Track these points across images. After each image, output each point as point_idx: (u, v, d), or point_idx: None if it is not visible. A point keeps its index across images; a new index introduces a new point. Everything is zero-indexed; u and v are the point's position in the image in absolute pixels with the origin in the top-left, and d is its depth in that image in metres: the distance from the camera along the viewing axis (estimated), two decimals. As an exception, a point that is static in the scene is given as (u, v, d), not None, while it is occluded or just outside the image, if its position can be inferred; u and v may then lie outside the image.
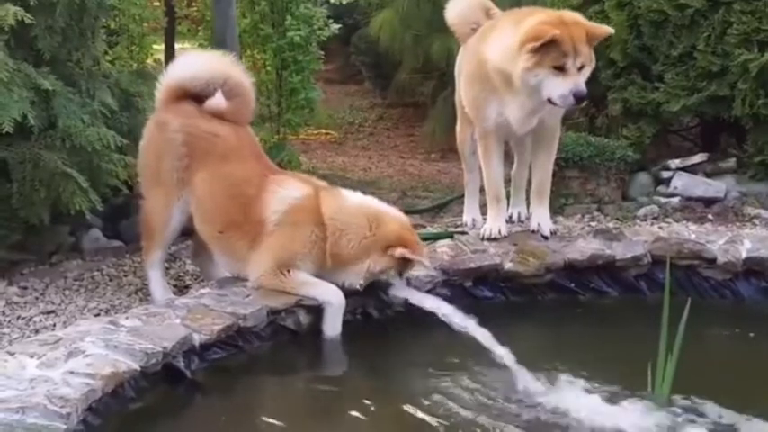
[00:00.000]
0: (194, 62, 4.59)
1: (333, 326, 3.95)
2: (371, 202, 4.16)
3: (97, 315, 4.34)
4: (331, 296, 3.94)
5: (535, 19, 4.36)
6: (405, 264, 4.00)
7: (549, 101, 4.37)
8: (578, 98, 4.32)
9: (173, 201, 4.33)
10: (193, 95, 4.39)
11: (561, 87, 4.29)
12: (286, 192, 4.08)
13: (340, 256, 3.97)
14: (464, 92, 4.92)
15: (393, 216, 4.10)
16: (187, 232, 4.58)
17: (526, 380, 3.50)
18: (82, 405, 2.96)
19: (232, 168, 4.22)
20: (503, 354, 3.62)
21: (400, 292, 4.07)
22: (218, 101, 4.34)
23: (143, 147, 4.48)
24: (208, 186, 4.24)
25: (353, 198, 4.15)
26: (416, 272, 4.24)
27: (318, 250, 4.00)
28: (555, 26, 4.25)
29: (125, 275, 4.95)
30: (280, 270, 3.96)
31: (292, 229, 4.02)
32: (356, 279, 3.99)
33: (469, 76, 4.82)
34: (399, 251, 3.92)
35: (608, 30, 4.48)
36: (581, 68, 4.31)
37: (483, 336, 3.73)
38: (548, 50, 4.24)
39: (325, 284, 3.97)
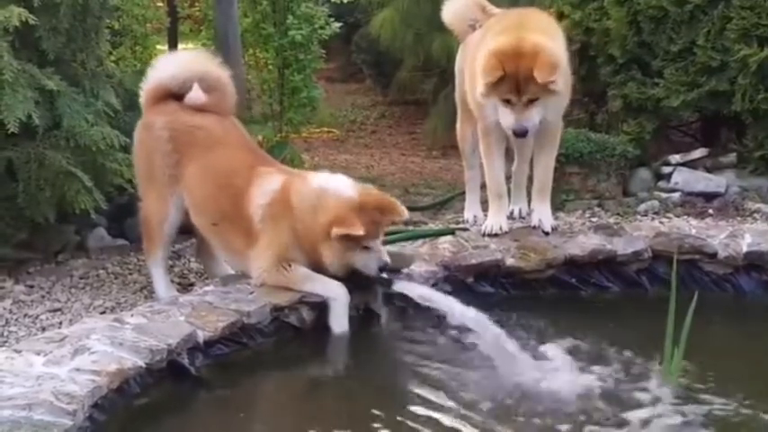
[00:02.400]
0: (171, 63, 4.67)
1: (339, 321, 3.96)
2: (327, 184, 4.04)
3: (103, 313, 4.37)
4: (335, 291, 3.96)
5: (494, 44, 4.43)
6: (349, 240, 3.89)
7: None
8: (517, 134, 4.54)
9: (167, 198, 4.39)
10: (175, 95, 4.45)
11: (507, 119, 4.49)
12: (268, 185, 4.11)
13: (311, 245, 3.97)
14: (470, 88, 4.94)
15: (335, 194, 3.96)
16: (190, 230, 4.61)
17: (529, 368, 3.55)
18: (88, 402, 2.99)
19: (218, 158, 4.28)
20: (513, 349, 3.68)
21: (402, 287, 4.09)
22: (196, 95, 4.40)
23: (134, 150, 4.56)
24: (197, 178, 4.30)
25: (314, 181, 4.06)
26: (418, 268, 4.27)
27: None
28: (507, 59, 4.34)
29: (130, 273, 4.98)
30: (281, 265, 3.99)
31: (276, 223, 4.04)
32: (329, 268, 3.96)
33: (474, 75, 4.84)
34: (334, 231, 3.85)
35: (546, 76, 4.35)
36: (532, 101, 4.41)
37: (494, 335, 3.78)
38: (498, 84, 4.40)
39: (328, 280, 3.98)
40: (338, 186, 4.02)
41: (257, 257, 4.05)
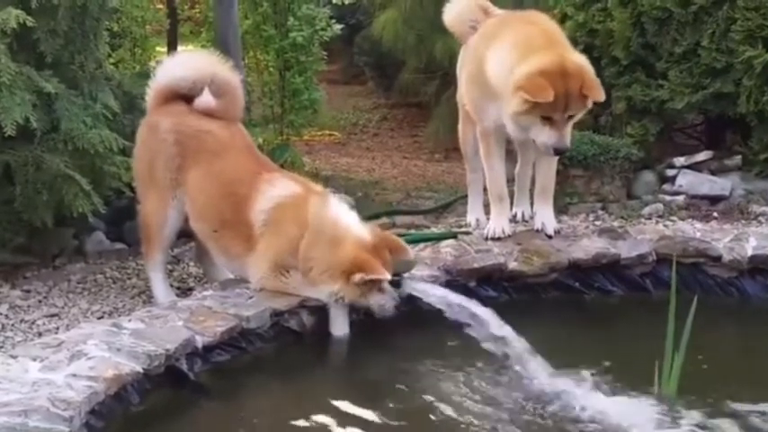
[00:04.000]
0: (180, 63, 4.63)
1: (339, 326, 3.95)
2: (344, 218, 3.99)
3: (100, 318, 4.35)
4: (334, 296, 3.93)
5: (538, 63, 4.31)
6: (372, 283, 3.86)
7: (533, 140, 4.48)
8: (558, 152, 4.49)
9: (168, 202, 4.36)
10: (183, 96, 4.41)
11: (545, 136, 4.39)
12: (274, 190, 4.07)
13: (307, 264, 3.91)
14: (465, 91, 4.94)
15: (351, 237, 3.90)
16: (190, 234, 4.58)
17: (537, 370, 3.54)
18: (85, 408, 2.97)
19: (224, 166, 4.23)
20: (521, 347, 3.67)
21: (408, 289, 4.05)
22: (206, 99, 4.36)
23: (136, 151, 4.52)
24: (200, 184, 4.26)
25: (334, 209, 4.00)
26: (419, 271, 4.24)
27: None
28: (555, 78, 4.26)
29: (128, 278, 4.95)
30: (279, 271, 3.96)
31: (278, 227, 4.01)
32: (328, 298, 3.92)
33: (470, 78, 4.83)
34: (358, 277, 3.80)
35: (601, 95, 4.43)
36: (570, 117, 4.38)
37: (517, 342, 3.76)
38: (540, 103, 4.30)
39: (327, 284, 3.95)
40: (353, 224, 3.96)
41: (256, 263, 4.02)
